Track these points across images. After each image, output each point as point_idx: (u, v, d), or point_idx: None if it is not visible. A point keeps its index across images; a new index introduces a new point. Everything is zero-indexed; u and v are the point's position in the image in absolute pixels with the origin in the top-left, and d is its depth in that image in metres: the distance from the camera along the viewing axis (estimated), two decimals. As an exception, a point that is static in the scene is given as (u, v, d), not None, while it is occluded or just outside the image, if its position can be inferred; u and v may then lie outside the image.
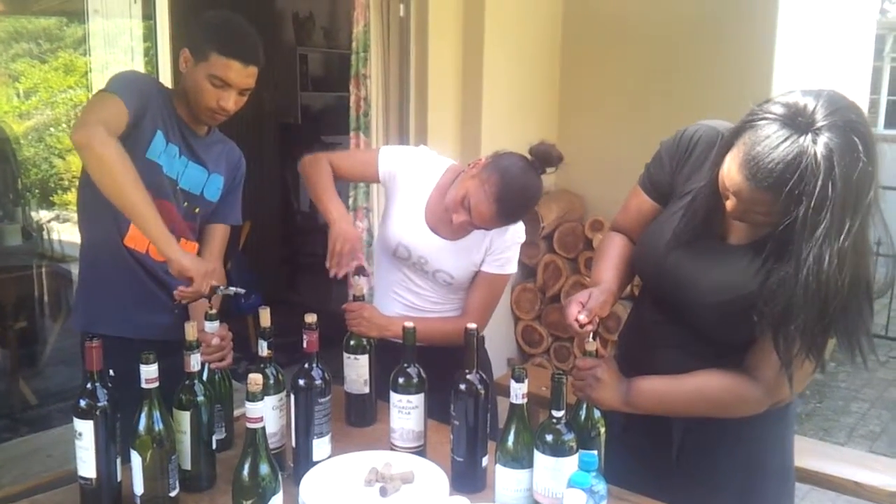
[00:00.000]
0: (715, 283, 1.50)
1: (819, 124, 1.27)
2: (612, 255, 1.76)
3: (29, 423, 3.98)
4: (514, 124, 3.90)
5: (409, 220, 2.07)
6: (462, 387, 1.59)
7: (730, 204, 1.40)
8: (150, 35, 4.35)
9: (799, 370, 1.41)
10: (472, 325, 1.61)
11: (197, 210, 2.03)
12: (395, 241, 2.08)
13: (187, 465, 1.57)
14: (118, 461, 1.49)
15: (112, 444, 1.47)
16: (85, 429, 1.44)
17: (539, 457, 1.42)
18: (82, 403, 1.44)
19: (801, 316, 1.33)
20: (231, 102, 1.90)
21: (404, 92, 3.61)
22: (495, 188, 1.84)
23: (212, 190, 2.04)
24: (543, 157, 1.90)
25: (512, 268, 2.08)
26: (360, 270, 1.96)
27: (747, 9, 3.54)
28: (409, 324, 1.70)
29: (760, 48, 3.47)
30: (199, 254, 2.08)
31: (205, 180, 2.02)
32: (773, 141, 1.29)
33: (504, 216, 1.89)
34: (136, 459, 1.45)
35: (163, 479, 1.47)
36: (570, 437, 1.41)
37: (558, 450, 1.40)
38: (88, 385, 1.45)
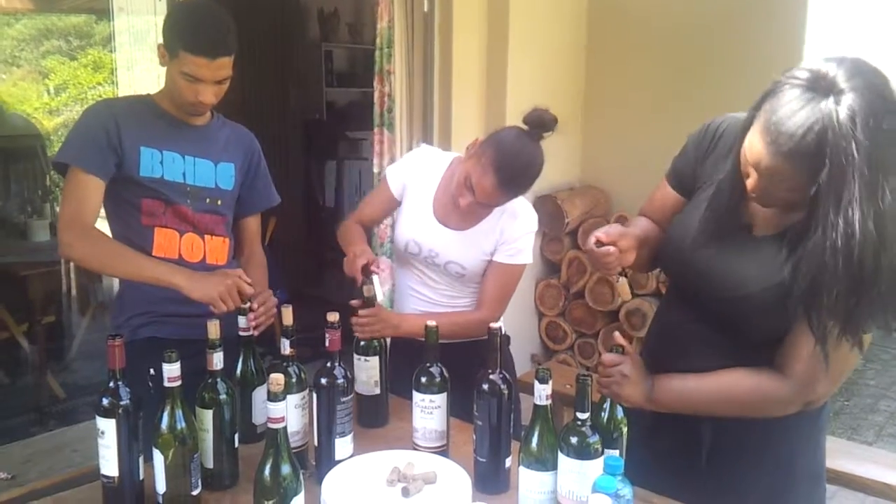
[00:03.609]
0: (741, 275, 1.47)
1: (841, 86, 1.24)
2: (637, 225, 1.76)
3: (57, 417, 4.04)
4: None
5: (418, 217, 2.09)
6: (485, 387, 1.58)
7: (751, 182, 1.37)
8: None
9: (835, 354, 1.36)
10: (496, 325, 1.60)
11: (220, 202, 2.03)
12: (405, 239, 2.10)
13: (209, 464, 1.57)
14: (140, 459, 1.49)
15: (134, 443, 1.46)
16: (107, 427, 1.43)
17: (563, 459, 1.40)
18: (105, 402, 1.44)
19: (833, 286, 1.28)
20: (209, 95, 1.87)
21: (428, 88, 3.60)
22: (491, 159, 1.87)
23: (224, 178, 2.04)
24: (537, 123, 1.90)
25: (525, 258, 2.07)
26: (367, 270, 1.97)
27: (775, 4, 3.48)
28: (432, 322, 1.68)
29: (788, 45, 3.41)
30: (236, 246, 2.13)
31: (214, 171, 2.02)
32: (794, 105, 1.26)
33: (505, 185, 1.89)
34: (158, 458, 1.45)
35: (185, 478, 1.46)
36: (595, 440, 1.39)
37: (583, 452, 1.38)
38: (111, 383, 1.44)
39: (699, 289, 1.56)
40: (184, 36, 1.83)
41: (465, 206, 1.93)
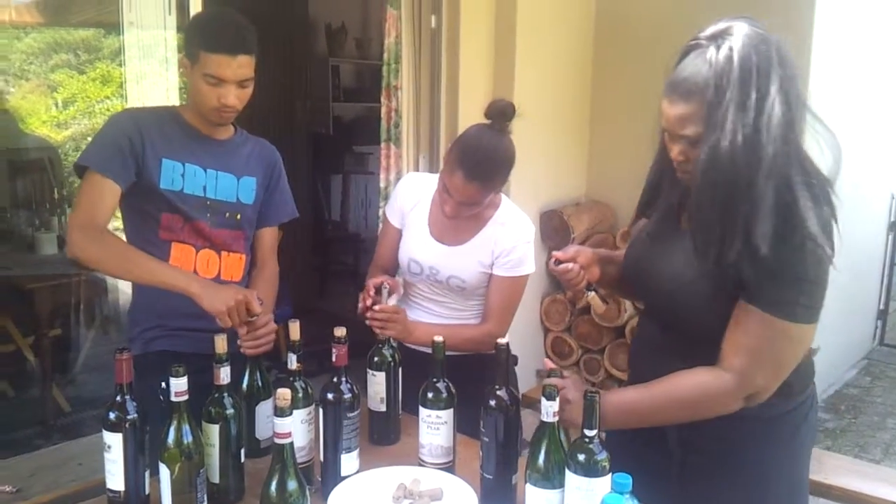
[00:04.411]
0: (675, 267, 1.53)
1: (724, 33, 1.39)
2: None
3: (62, 430, 4.02)
4: (545, 135, 3.88)
5: (416, 237, 2.13)
6: (492, 403, 1.57)
7: (674, 153, 1.48)
8: (185, 46, 4.39)
9: (770, 340, 1.41)
10: (504, 341, 1.59)
11: (239, 217, 2.04)
12: (406, 259, 2.14)
13: (216, 479, 1.56)
14: (146, 474, 1.49)
15: (140, 457, 1.47)
16: (114, 441, 1.44)
17: (571, 476, 1.39)
18: (111, 416, 1.44)
19: (712, 196, 1.36)
20: (232, 97, 1.88)
21: (435, 103, 3.61)
22: (456, 156, 1.92)
23: (245, 192, 2.05)
24: (497, 113, 1.95)
25: (526, 269, 2.09)
26: (380, 288, 2.02)
27: (783, 15, 3.47)
28: (439, 338, 1.69)
29: (796, 54, 3.41)
30: (252, 261, 2.13)
31: (236, 185, 2.03)
32: (689, 60, 1.43)
33: (472, 176, 1.91)
34: (164, 472, 1.44)
35: (191, 493, 1.46)
36: (602, 457, 1.38)
37: (591, 470, 1.36)
38: (118, 397, 1.45)
39: (649, 290, 1.62)
40: (203, 38, 1.85)
41: (450, 211, 1.97)
